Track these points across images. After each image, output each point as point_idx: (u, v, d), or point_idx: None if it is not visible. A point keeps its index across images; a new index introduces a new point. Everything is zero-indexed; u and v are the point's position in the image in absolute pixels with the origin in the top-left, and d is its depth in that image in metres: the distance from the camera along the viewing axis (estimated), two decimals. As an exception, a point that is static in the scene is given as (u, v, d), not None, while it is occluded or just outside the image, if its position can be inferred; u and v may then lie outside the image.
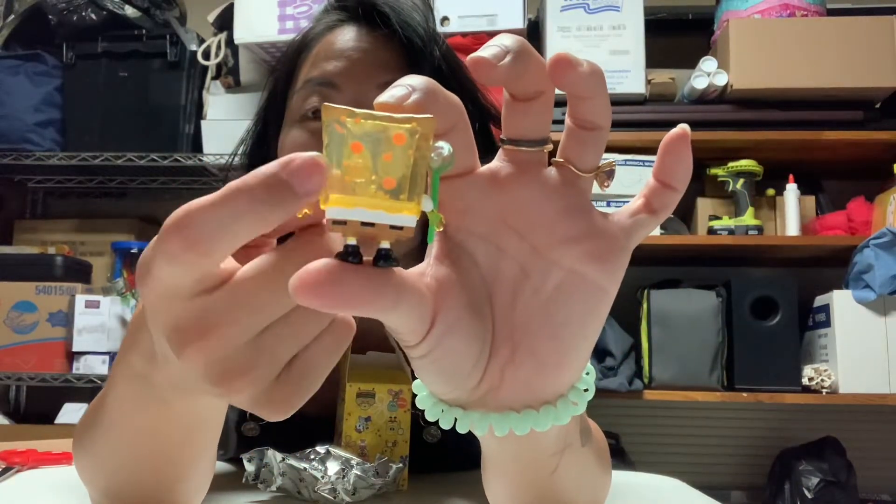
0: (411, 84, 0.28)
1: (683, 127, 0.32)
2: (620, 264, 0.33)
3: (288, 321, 0.29)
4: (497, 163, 0.32)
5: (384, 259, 0.27)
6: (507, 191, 0.32)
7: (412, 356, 0.32)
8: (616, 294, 0.33)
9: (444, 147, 0.27)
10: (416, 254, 0.31)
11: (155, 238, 0.28)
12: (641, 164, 2.04)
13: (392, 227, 0.27)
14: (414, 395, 0.36)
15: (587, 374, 0.35)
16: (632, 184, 2.00)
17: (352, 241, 0.27)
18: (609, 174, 0.33)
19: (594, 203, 0.33)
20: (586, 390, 0.35)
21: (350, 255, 0.27)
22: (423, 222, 0.29)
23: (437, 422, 0.34)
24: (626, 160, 2.03)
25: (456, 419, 0.34)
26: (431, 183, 0.28)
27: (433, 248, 0.33)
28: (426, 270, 0.32)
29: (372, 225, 0.26)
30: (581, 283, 0.32)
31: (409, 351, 0.31)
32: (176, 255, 0.26)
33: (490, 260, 0.33)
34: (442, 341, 0.31)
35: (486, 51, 0.29)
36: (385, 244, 0.27)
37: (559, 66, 0.29)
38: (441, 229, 0.32)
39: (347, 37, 0.71)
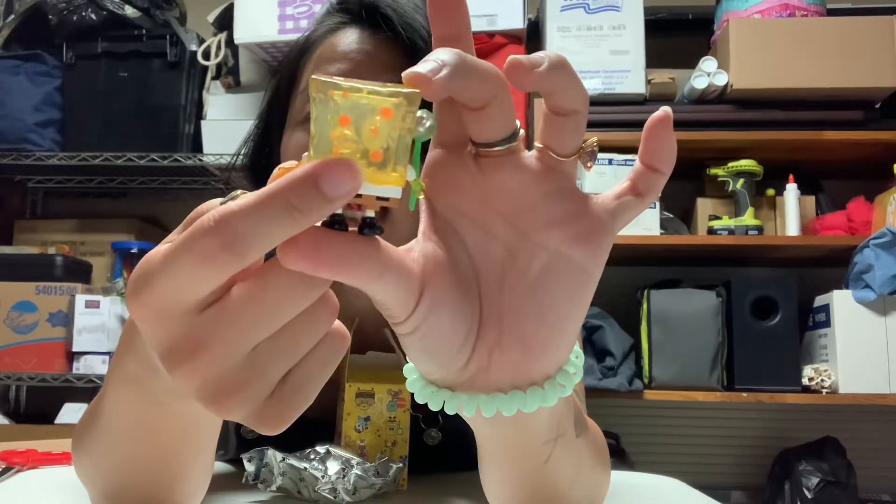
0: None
1: (665, 110, 0.33)
2: (605, 246, 0.33)
3: (280, 338, 0.29)
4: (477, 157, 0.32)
5: (369, 227, 0.28)
6: (492, 178, 0.32)
7: (400, 333, 0.32)
8: (600, 276, 0.33)
9: (427, 117, 0.28)
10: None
11: (163, 253, 0.27)
12: (641, 163, 2.04)
13: (378, 198, 0.27)
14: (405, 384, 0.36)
15: (576, 357, 0.36)
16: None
17: (338, 210, 0.27)
18: (591, 154, 0.33)
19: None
20: (574, 373, 0.35)
21: (336, 224, 0.27)
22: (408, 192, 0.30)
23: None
24: (626, 160, 2.02)
25: (444, 401, 0.34)
26: (413, 152, 0.28)
27: (422, 226, 0.33)
28: (414, 246, 0.32)
29: (359, 196, 0.27)
30: (566, 265, 0.32)
31: (396, 328, 0.32)
32: (212, 255, 0.26)
33: (478, 242, 0.33)
34: (429, 317, 0.31)
35: (423, 66, 0.28)
36: (370, 213, 0.28)
37: (514, 73, 0.29)
38: (422, 196, 0.33)
39: (350, 39, 0.71)
